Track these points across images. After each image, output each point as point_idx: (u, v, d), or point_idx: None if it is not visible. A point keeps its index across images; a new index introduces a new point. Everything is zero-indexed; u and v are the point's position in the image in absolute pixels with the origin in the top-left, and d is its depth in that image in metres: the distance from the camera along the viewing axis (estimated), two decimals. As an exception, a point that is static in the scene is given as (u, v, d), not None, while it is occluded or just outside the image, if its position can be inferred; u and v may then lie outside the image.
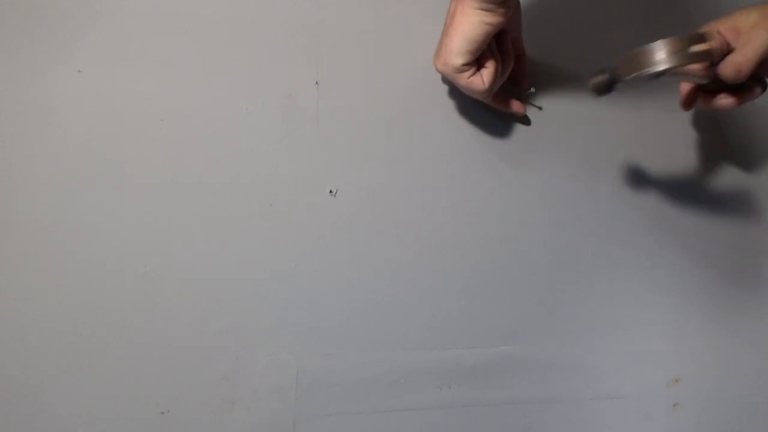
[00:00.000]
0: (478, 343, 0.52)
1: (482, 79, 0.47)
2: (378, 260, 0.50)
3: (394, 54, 0.53)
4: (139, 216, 0.45)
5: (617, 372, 0.55)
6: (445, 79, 0.53)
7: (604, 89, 0.47)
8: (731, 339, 0.59)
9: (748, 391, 0.59)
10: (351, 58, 0.52)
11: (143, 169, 0.46)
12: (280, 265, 0.48)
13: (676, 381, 0.57)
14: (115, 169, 0.45)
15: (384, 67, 0.53)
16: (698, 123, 0.62)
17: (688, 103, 0.54)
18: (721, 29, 0.50)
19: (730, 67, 0.48)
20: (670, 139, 0.61)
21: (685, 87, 0.54)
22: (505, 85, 0.52)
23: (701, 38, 0.44)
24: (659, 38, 0.43)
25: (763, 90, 0.52)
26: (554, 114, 0.57)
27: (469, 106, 0.54)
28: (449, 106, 0.54)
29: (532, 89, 0.55)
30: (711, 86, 0.52)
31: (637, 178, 0.59)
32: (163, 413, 0.44)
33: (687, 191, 0.60)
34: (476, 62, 0.47)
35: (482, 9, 0.43)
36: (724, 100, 0.52)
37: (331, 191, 0.50)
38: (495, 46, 0.48)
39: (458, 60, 0.46)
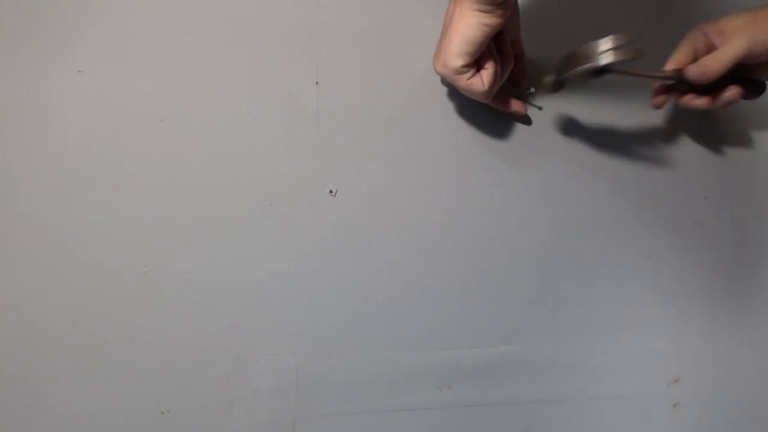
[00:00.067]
0: (478, 343, 0.52)
1: (482, 80, 0.47)
2: (378, 260, 0.50)
3: (394, 54, 0.53)
4: (139, 216, 0.45)
5: (617, 372, 0.55)
6: (445, 80, 0.53)
7: (555, 86, 0.50)
8: (731, 339, 0.59)
9: (748, 391, 0.59)
10: (351, 58, 0.52)
11: (143, 169, 0.46)
12: (280, 265, 0.48)
13: (676, 381, 0.57)
14: (115, 169, 0.45)
15: (384, 67, 0.53)
16: (698, 123, 0.62)
17: (657, 101, 0.55)
18: (708, 31, 0.51)
19: (696, 69, 0.49)
20: (670, 138, 0.61)
21: (657, 86, 0.55)
22: (505, 85, 0.52)
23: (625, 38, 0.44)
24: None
25: (748, 92, 0.52)
26: (554, 114, 0.57)
27: (468, 106, 0.54)
28: (449, 106, 0.54)
29: (532, 89, 0.55)
30: (684, 86, 0.52)
31: (637, 178, 0.59)
32: (163, 413, 0.44)
33: (687, 191, 0.60)
34: (475, 63, 0.47)
35: (480, 10, 0.43)
36: (696, 100, 0.53)
37: (331, 191, 0.50)
38: (494, 47, 0.48)
39: (457, 62, 0.46)
